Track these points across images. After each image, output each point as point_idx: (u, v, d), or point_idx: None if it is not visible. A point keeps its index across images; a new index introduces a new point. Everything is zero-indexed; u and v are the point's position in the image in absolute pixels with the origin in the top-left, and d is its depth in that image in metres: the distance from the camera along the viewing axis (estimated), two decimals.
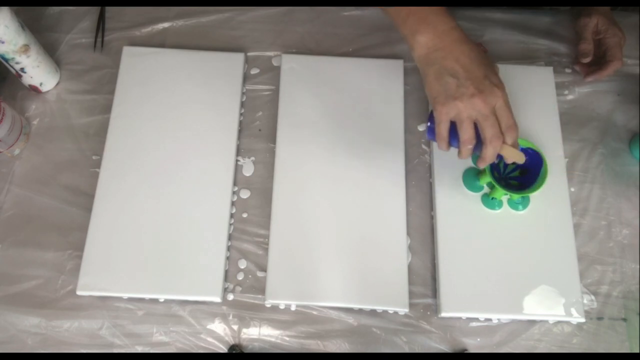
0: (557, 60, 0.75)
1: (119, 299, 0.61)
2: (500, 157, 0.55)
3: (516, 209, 0.64)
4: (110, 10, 0.77)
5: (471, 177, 0.66)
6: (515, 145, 0.53)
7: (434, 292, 0.63)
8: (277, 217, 0.64)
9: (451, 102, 0.51)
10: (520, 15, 0.78)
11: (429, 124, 0.57)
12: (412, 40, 0.53)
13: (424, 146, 0.70)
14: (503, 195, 0.64)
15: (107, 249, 0.61)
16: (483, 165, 0.54)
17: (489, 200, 0.64)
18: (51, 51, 0.72)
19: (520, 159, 0.54)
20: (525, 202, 0.64)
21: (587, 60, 0.71)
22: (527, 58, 0.75)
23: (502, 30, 0.77)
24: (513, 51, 0.75)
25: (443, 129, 0.53)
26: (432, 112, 0.55)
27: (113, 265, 0.61)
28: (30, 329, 0.60)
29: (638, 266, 0.64)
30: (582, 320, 0.60)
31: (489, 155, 0.53)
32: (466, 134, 0.52)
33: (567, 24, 0.77)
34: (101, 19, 0.76)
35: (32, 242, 0.64)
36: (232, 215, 0.65)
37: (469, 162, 0.67)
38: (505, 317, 0.61)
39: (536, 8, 0.79)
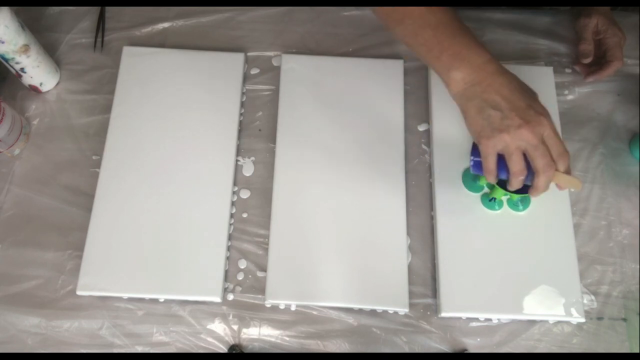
0: (557, 60, 0.75)
1: (119, 299, 0.61)
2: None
3: (516, 210, 0.64)
4: (110, 10, 0.77)
5: (470, 177, 0.66)
6: (568, 171, 0.52)
7: (434, 292, 0.63)
8: (277, 217, 0.64)
9: (497, 135, 0.50)
10: (520, 15, 0.78)
11: (472, 157, 0.56)
12: (446, 77, 0.52)
13: (424, 146, 0.70)
14: (503, 196, 0.64)
15: (107, 249, 0.61)
16: (536, 195, 0.53)
17: (488, 202, 0.64)
18: (51, 51, 0.72)
19: (576, 185, 0.53)
20: (525, 203, 0.64)
21: (587, 60, 0.71)
22: (527, 58, 0.75)
23: (502, 30, 0.77)
24: (513, 51, 0.75)
25: (491, 163, 0.52)
26: (474, 145, 0.54)
27: (113, 265, 0.61)
28: (30, 329, 0.60)
29: (638, 266, 0.64)
30: (582, 320, 0.60)
31: (542, 185, 0.52)
32: (516, 165, 0.51)
33: (567, 24, 0.77)
34: (101, 19, 0.76)
35: (32, 242, 0.64)
36: (232, 215, 0.65)
37: (467, 163, 0.67)
38: (505, 317, 0.61)
39: (536, 8, 0.79)
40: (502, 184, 0.61)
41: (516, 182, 0.53)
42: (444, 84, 0.53)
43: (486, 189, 0.65)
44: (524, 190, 0.61)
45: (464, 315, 0.61)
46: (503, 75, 0.51)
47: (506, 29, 0.77)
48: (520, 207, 0.64)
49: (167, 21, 0.76)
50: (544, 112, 0.51)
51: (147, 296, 0.61)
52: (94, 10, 0.77)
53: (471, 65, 0.51)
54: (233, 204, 0.66)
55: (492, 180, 0.54)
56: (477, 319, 0.61)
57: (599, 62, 0.71)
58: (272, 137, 0.69)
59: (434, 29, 0.53)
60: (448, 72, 0.52)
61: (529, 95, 0.52)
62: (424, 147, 0.70)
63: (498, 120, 0.50)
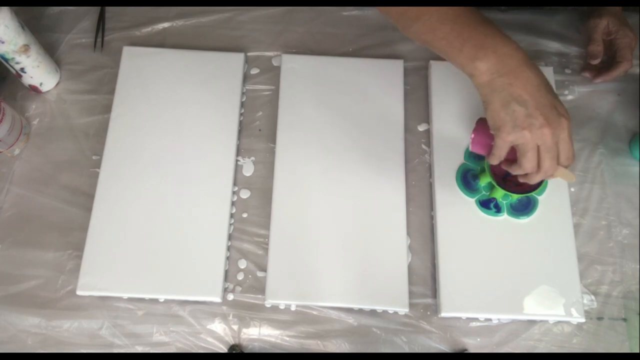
0: (557, 60, 0.75)
1: (119, 299, 0.61)
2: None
3: (518, 218, 0.64)
4: (110, 10, 0.77)
5: (466, 181, 0.65)
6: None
7: (434, 292, 0.63)
8: (277, 217, 0.64)
9: (519, 132, 0.49)
10: (520, 16, 0.78)
11: (472, 136, 0.57)
12: (471, 68, 0.51)
13: (424, 146, 0.70)
14: (502, 196, 0.64)
15: (107, 249, 0.61)
16: (523, 178, 0.54)
17: (481, 206, 0.64)
18: (51, 51, 0.72)
19: (571, 178, 0.54)
20: (528, 211, 0.64)
21: (595, 61, 0.70)
22: None
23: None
24: None
25: (504, 152, 0.53)
26: (478, 122, 0.54)
27: (113, 265, 0.61)
28: (30, 329, 0.60)
29: (638, 266, 0.64)
30: (582, 320, 0.60)
31: (536, 179, 0.53)
32: (530, 163, 0.51)
33: (568, 23, 0.77)
34: (101, 19, 0.76)
35: (32, 242, 0.64)
36: (232, 215, 0.65)
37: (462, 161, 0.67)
38: (505, 317, 0.61)
39: (536, 8, 0.79)
40: (502, 184, 0.61)
41: (523, 178, 0.54)
42: (468, 75, 0.52)
43: (483, 192, 0.65)
44: (524, 190, 0.61)
45: (464, 315, 0.61)
46: (530, 69, 0.50)
47: (506, 29, 0.75)
48: (523, 217, 0.64)
49: (167, 21, 0.76)
50: (565, 114, 0.50)
51: (147, 296, 0.61)
52: (94, 10, 0.77)
53: (497, 55, 0.50)
54: (233, 204, 0.66)
55: (495, 161, 0.54)
56: (477, 319, 0.61)
57: (610, 63, 0.71)
58: (272, 137, 0.69)
59: (453, 22, 0.51)
60: (473, 63, 0.50)
61: (552, 93, 0.51)
62: (424, 147, 0.70)
63: (522, 117, 0.49)
